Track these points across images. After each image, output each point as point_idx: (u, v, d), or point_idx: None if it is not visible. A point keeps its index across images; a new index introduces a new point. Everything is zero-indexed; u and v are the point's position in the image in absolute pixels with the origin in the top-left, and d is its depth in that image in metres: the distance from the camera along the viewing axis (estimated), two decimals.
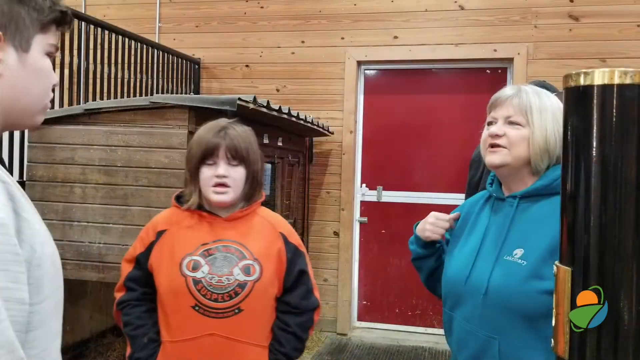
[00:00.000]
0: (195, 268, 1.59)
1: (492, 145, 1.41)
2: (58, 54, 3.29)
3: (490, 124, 1.45)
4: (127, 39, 3.97)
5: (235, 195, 1.64)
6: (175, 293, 1.59)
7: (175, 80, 4.52)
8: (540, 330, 1.31)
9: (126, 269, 1.70)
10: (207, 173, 1.61)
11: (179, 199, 1.72)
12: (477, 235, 1.49)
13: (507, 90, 1.44)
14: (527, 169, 1.41)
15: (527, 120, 1.38)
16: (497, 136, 1.40)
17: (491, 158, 1.42)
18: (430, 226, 1.53)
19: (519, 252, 1.36)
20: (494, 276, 1.38)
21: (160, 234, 1.67)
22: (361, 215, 4.65)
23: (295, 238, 1.73)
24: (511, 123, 1.40)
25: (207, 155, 1.61)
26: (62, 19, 0.90)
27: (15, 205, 0.78)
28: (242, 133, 1.66)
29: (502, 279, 1.36)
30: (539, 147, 1.38)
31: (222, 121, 1.68)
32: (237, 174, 1.62)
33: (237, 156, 1.62)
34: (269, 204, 3.94)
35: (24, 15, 0.84)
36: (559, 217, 1.32)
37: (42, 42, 0.89)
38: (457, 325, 1.48)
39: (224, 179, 1.60)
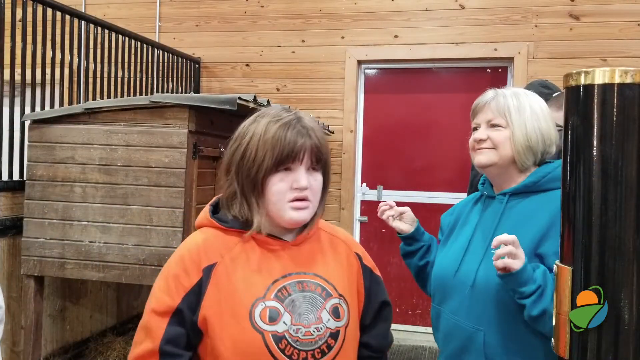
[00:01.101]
0: (273, 319, 1.14)
1: (479, 148, 1.49)
2: (58, 53, 3.29)
3: (475, 129, 1.53)
4: (127, 38, 3.96)
5: (314, 211, 1.23)
6: (248, 356, 1.13)
7: (175, 79, 4.51)
8: (524, 322, 1.34)
9: (159, 325, 1.15)
10: (280, 185, 1.18)
11: (215, 212, 1.28)
12: (467, 232, 1.54)
13: (485, 96, 1.51)
14: (514, 167, 1.47)
15: (507, 121, 1.45)
16: (481, 140, 1.48)
17: (478, 158, 1.49)
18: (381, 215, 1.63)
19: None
20: (481, 270, 1.42)
21: (208, 270, 1.18)
22: (361, 214, 4.65)
23: (369, 259, 1.36)
24: (493, 126, 1.47)
25: (285, 160, 1.17)
26: None
27: None
28: (316, 125, 1.24)
29: (489, 272, 1.38)
30: (521, 145, 1.44)
31: (286, 110, 1.24)
32: (317, 184, 1.22)
33: (320, 159, 1.21)
34: None
35: None
36: (544, 213, 1.38)
37: None
38: (444, 319, 1.51)
39: (305, 192, 1.19)
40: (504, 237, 1.26)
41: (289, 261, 1.22)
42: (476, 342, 1.41)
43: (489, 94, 1.51)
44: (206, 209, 1.28)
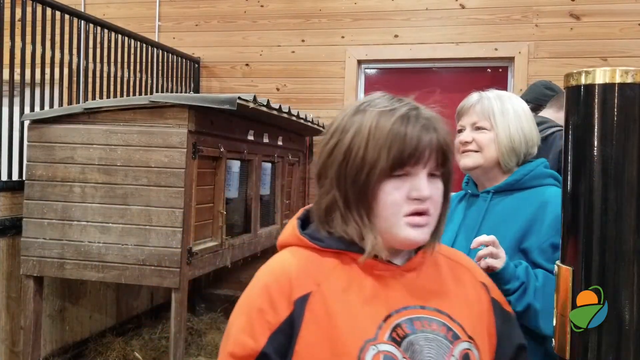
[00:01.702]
0: None
1: (464, 151, 1.52)
2: (57, 53, 3.29)
3: (459, 131, 1.56)
4: (126, 38, 3.96)
5: (433, 228, 0.97)
6: None
7: (175, 79, 4.51)
8: None
9: None
10: (395, 195, 0.92)
11: (304, 226, 1.03)
12: (451, 230, 1.55)
13: (470, 99, 1.55)
14: (498, 168, 1.52)
15: (492, 124, 1.49)
16: (466, 143, 1.51)
17: (464, 161, 1.52)
18: None
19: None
20: None
21: (302, 303, 0.92)
22: None
23: (497, 291, 1.09)
24: (478, 128, 1.51)
25: (406, 162, 0.91)
26: None
27: None
28: (439, 116, 0.98)
29: None
30: (505, 147, 1.48)
31: (397, 99, 0.99)
32: (438, 193, 0.96)
33: (446, 162, 0.96)
34: (269, 203, 3.94)
35: None
36: (526, 209, 1.42)
37: None
38: None
39: (425, 204, 0.93)
40: (483, 238, 1.30)
41: (403, 292, 0.95)
42: None
43: (474, 97, 1.54)
44: (293, 224, 1.02)
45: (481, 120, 1.50)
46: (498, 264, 1.29)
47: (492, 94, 1.54)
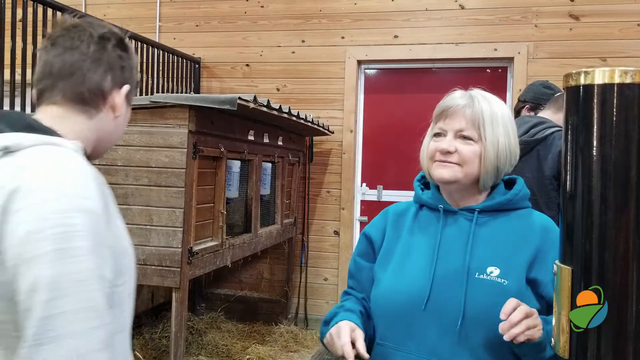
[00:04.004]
0: None
1: (443, 161, 1.30)
2: None
3: (438, 135, 1.33)
4: (127, 38, 3.96)
5: None
6: None
7: (175, 79, 4.51)
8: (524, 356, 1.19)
9: None
10: None
11: None
12: (423, 251, 1.31)
13: (458, 99, 1.31)
14: (475, 186, 1.31)
15: (480, 135, 1.28)
16: (448, 153, 1.29)
17: (440, 173, 1.29)
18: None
19: (494, 270, 1.24)
20: (472, 297, 1.22)
21: None
22: (361, 214, 4.64)
23: None
24: (463, 137, 1.29)
25: None
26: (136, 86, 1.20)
27: (105, 201, 0.96)
28: None
29: (485, 299, 1.21)
30: (490, 164, 1.28)
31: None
32: None
33: None
34: (269, 203, 3.94)
35: (135, 79, 1.17)
36: (532, 235, 1.28)
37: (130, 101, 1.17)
38: None
39: None
40: (517, 315, 1.09)
41: None
42: None
43: (463, 98, 1.31)
44: None
45: (469, 128, 1.28)
46: (537, 334, 1.10)
47: (479, 94, 1.33)
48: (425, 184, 1.43)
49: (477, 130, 1.28)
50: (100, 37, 1.09)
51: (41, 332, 0.82)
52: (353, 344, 1.20)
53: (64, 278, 0.84)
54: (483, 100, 1.30)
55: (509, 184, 1.38)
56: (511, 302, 1.11)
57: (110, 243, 0.93)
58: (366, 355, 1.18)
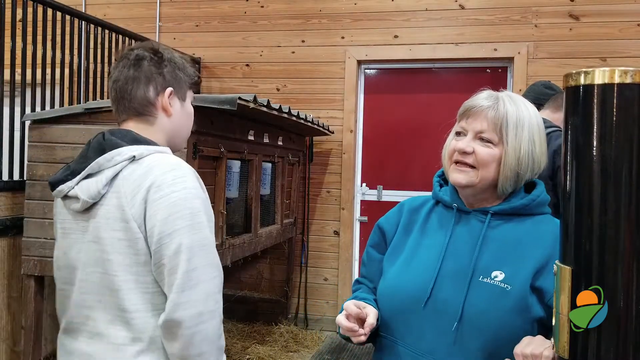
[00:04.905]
0: None
1: (458, 162, 1.28)
2: (58, 53, 3.29)
3: (459, 134, 1.31)
4: (127, 38, 3.96)
5: None
6: None
7: None
8: None
9: None
10: None
11: None
12: (432, 249, 1.31)
13: (483, 100, 1.28)
14: (492, 190, 1.29)
15: (501, 138, 1.24)
16: (465, 153, 1.26)
17: (456, 177, 1.28)
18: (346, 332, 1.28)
19: (499, 274, 1.22)
20: (472, 300, 1.21)
21: None
22: (361, 214, 4.65)
23: None
24: (482, 139, 1.26)
25: None
26: (196, 83, 1.43)
27: (204, 189, 1.30)
28: None
29: (485, 304, 1.20)
30: (510, 169, 1.24)
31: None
32: None
33: None
34: (269, 203, 3.94)
35: (182, 78, 1.38)
36: (545, 242, 1.25)
37: (190, 95, 1.42)
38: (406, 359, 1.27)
39: None
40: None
41: None
42: None
43: (489, 99, 1.28)
44: None
45: (490, 130, 1.25)
46: None
47: (507, 97, 1.28)
48: (445, 180, 1.41)
49: (499, 134, 1.24)
50: (136, 59, 1.33)
51: (185, 281, 1.17)
52: (360, 322, 1.26)
53: (196, 243, 1.20)
54: (510, 103, 1.26)
55: (530, 186, 1.33)
56: (525, 342, 1.07)
57: (212, 219, 1.28)
58: (371, 320, 1.25)
